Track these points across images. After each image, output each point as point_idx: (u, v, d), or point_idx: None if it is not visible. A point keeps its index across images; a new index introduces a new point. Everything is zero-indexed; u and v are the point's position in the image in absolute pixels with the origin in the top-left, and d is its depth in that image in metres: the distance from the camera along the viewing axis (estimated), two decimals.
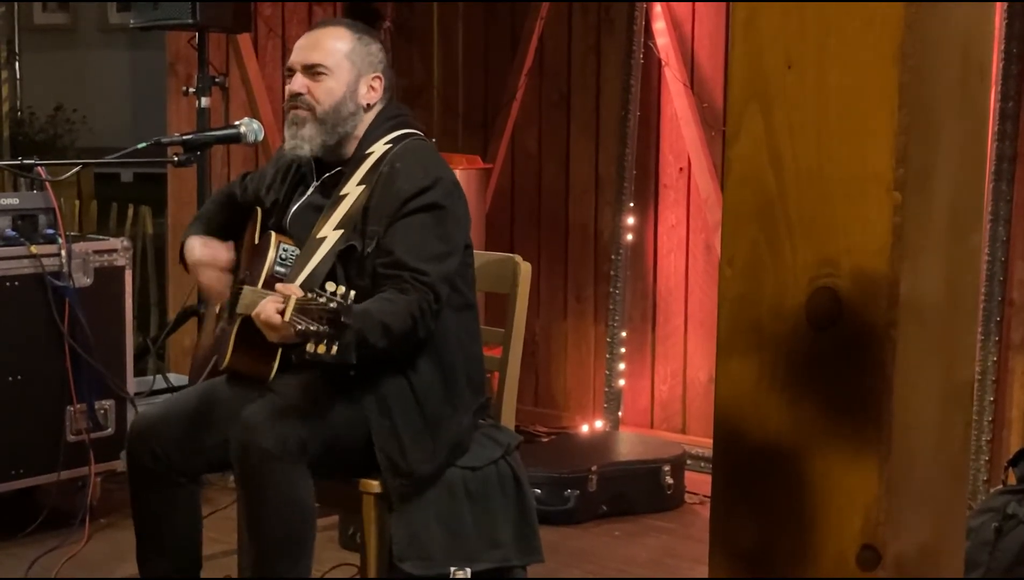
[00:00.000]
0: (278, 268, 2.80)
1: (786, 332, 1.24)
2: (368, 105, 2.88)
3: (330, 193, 2.85)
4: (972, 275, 1.31)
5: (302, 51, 2.87)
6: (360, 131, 2.88)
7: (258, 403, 2.68)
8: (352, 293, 2.49)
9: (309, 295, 2.46)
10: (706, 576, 1.32)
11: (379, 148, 2.85)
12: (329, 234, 2.77)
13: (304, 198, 2.91)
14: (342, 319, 2.43)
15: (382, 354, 2.65)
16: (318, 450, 2.65)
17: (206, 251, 2.98)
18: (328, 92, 2.83)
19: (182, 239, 3.06)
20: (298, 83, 2.85)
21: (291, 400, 2.70)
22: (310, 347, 2.45)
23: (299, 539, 2.67)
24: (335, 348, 2.45)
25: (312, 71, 2.84)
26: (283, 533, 2.65)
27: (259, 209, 2.98)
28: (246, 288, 2.82)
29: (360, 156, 2.85)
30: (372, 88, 2.88)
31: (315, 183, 2.91)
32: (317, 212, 2.84)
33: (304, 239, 2.82)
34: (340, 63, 2.84)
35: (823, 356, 1.22)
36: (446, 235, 2.76)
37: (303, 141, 2.84)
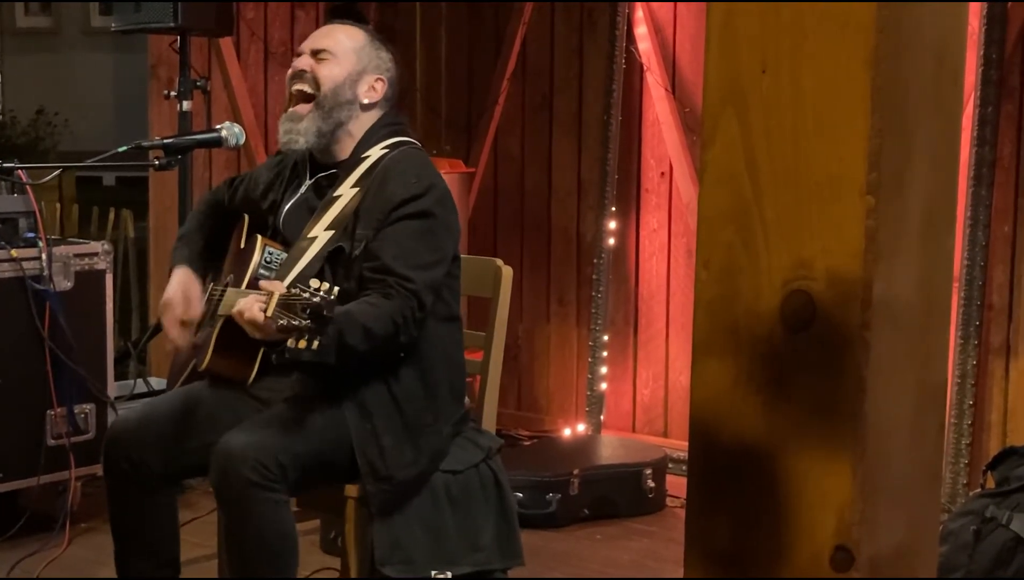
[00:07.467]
0: (262, 271, 2.79)
1: (761, 334, 1.25)
2: (366, 104, 2.89)
3: (324, 194, 2.87)
4: (945, 277, 1.32)
5: (314, 37, 2.96)
6: (356, 130, 2.89)
7: (237, 429, 2.66)
8: (336, 289, 2.47)
9: (293, 291, 2.44)
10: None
11: (375, 152, 2.87)
12: (320, 234, 2.78)
13: (296, 197, 2.92)
14: (324, 313, 2.41)
15: (361, 358, 2.65)
16: (299, 472, 2.64)
17: (178, 298, 2.89)
18: (329, 74, 2.87)
19: (171, 261, 3.01)
20: (303, 61, 2.90)
21: (270, 421, 2.69)
22: (291, 343, 2.42)
23: (281, 565, 2.66)
24: (316, 343, 2.42)
25: (318, 55, 2.90)
26: (265, 561, 2.64)
27: (246, 216, 2.99)
28: (229, 290, 2.81)
29: (356, 159, 2.87)
30: (373, 88, 2.91)
31: (308, 182, 2.92)
32: (310, 212, 2.85)
33: (295, 238, 2.82)
34: (347, 53, 2.90)
35: (798, 358, 1.23)
36: (435, 243, 2.76)
37: (298, 135, 2.86)
